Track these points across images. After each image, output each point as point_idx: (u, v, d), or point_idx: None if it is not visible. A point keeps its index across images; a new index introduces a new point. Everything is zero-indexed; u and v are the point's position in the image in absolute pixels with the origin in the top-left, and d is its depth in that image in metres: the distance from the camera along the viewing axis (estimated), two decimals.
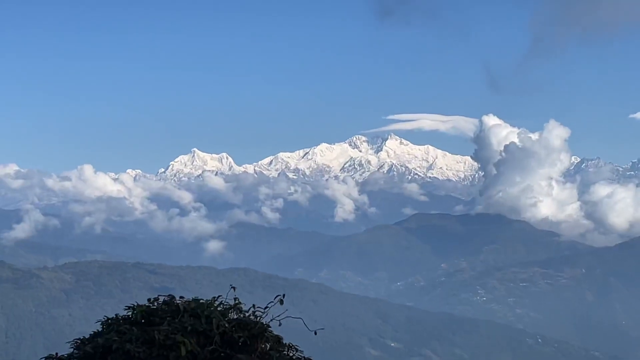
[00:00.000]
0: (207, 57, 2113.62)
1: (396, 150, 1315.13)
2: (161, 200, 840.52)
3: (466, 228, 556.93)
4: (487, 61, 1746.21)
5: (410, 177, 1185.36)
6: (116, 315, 15.88)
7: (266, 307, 15.21)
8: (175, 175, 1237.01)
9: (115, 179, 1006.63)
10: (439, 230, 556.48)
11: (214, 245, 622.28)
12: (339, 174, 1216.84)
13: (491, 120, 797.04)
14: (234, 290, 15.52)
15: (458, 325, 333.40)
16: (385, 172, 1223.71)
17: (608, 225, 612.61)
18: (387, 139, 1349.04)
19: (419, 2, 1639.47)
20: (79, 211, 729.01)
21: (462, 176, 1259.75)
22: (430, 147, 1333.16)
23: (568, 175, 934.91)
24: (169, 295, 14.94)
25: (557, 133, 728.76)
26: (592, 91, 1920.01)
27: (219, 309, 14.98)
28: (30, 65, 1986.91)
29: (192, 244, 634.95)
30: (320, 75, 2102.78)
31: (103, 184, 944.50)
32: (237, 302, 15.26)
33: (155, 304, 15.17)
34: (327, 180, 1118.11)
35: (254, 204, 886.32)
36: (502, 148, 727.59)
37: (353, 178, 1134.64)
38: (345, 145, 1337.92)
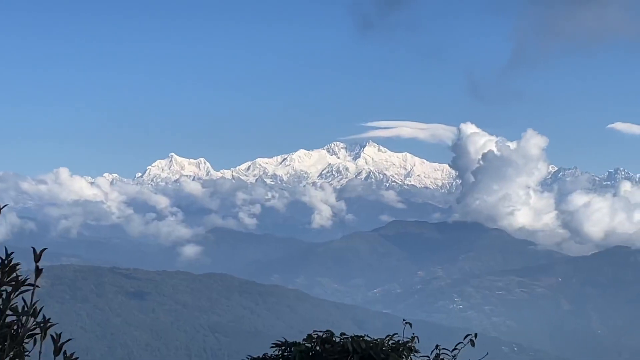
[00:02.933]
0: (186, 62, 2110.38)
1: (374, 157, 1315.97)
2: (138, 205, 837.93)
3: (443, 236, 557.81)
4: (468, 70, 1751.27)
5: (388, 185, 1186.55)
6: (264, 355, 13.21)
7: (454, 349, 13.26)
8: (152, 180, 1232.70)
9: (91, 183, 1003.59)
10: (416, 238, 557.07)
11: (190, 250, 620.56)
12: (317, 181, 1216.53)
13: (469, 128, 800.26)
14: (410, 326, 13.29)
15: (434, 332, 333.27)
16: (363, 179, 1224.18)
17: (584, 235, 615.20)
18: (365, 145, 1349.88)
19: (401, 15, 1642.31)
20: (55, 214, 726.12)
21: (440, 184, 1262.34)
22: (408, 154, 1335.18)
23: (545, 185, 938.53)
24: (327, 331, 12.79)
25: (534, 142, 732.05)
26: (571, 101, 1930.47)
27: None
28: (5, 67, 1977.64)
29: (168, 248, 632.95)
30: (299, 82, 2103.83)
31: (79, 187, 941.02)
32: (411, 340, 13.21)
33: (312, 342, 12.82)
34: (304, 186, 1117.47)
35: (231, 209, 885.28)
36: (480, 156, 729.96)
37: (331, 185, 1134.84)
38: (324, 152, 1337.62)
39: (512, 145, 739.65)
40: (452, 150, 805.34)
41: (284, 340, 12.93)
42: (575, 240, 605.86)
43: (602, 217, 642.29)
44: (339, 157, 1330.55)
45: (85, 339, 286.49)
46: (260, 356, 13.17)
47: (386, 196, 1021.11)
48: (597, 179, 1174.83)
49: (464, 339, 13.27)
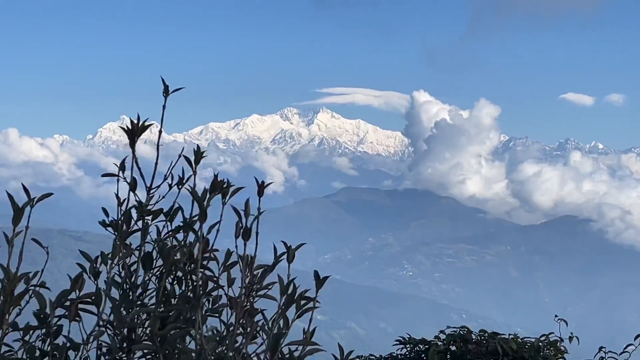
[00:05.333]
0: (139, 23, 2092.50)
1: (327, 124, 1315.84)
2: (88, 167, 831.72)
3: (394, 203, 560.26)
4: (424, 38, 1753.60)
5: (340, 151, 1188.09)
6: (391, 355, 11.48)
7: (623, 352, 10.48)
8: (103, 142, 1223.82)
9: (41, 144, 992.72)
10: (367, 205, 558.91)
11: None
12: (270, 146, 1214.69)
13: (422, 96, 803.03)
14: (566, 324, 11.18)
15: (384, 298, 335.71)
16: (315, 145, 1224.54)
17: (534, 204, 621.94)
18: (318, 112, 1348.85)
19: None
20: (4, 175, 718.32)
21: (393, 151, 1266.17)
22: (361, 121, 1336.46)
23: (496, 154, 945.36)
24: (463, 327, 10.98)
25: (487, 111, 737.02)
26: (524, 71, 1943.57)
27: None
28: None
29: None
30: (253, 47, 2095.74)
31: (29, 148, 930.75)
32: (560, 339, 11.09)
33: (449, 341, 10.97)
34: (257, 151, 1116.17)
35: None
36: (432, 124, 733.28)
37: (283, 150, 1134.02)
38: (277, 117, 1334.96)
39: (465, 114, 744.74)
40: (405, 118, 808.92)
41: (408, 337, 11.23)
42: (525, 209, 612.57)
43: (552, 186, 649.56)
44: (292, 123, 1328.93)
45: (33, 302, 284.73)
46: (384, 356, 11.56)
47: (338, 163, 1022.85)
48: (548, 148, 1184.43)
49: (635, 339, 10.28)
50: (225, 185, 4.85)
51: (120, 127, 4.92)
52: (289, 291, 4.43)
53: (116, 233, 4.88)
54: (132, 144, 5.12)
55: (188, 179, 5.11)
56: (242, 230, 4.04)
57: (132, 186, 4.92)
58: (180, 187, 5.09)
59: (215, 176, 4.71)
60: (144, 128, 4.96)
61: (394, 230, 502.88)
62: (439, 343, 10.92)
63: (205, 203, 4.80)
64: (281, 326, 4.15)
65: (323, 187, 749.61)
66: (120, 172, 4.95)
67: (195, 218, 4.76)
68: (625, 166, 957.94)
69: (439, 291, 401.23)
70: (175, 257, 4.60)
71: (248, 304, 4.39)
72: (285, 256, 3.91)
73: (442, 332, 10.97)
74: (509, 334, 10.79)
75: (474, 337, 10.91)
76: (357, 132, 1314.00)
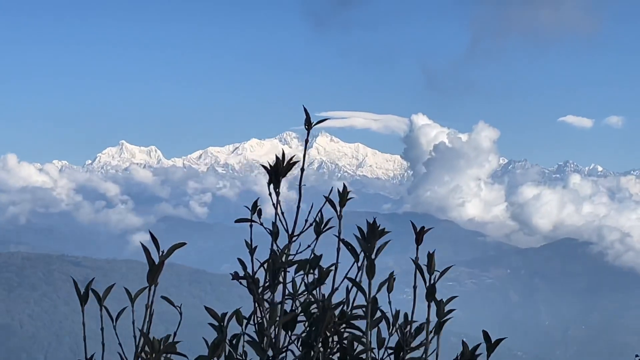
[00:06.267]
0: (137, 48, 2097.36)
1: (326, 148, 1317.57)
2: (87, 192, 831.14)
3: (394, 226, 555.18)
4: (422, 62, 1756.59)
5: (339, 175, 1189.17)
6: None
7: None
8: (102, 168, 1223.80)
9: (40, 170, 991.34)
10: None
11: (140, 239, 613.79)
12: None
13: (421, 119, 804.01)
14: None
15: (384, 323, 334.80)
16: (315, 169, 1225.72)
17: (533, 227, 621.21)
18: (317, 135, 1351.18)
19: (355, 13, 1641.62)
20: (3, 201, 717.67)
21: (392, 175, 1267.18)
22: (360, 145, 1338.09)
23: (496, 177, 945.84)
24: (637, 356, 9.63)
25: (486, 134, 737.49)
26: (523, 94, 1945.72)
27: None
28: None
29: (118, 236, 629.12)
30: (251, 71, 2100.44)
31: (27, 174, 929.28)
32: None
33: None
34: (256, 175, 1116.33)
35: (182, 198, 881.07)
36: (431, 148, 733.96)
37: None
38: (276, 141, 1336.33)
39: (464, 137, 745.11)
40: (404, 141, 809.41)
41: None
42: (525, 232, 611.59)
43: (551, 209, 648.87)
44: (291, 147, 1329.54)
45: (32, 327, 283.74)
46: None
47: (338, 186, 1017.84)
48: (547, 171, 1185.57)
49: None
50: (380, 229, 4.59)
51: (262, 165, 4.29)
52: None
53: (252, 288, 4.54)
54: (277, 184, 4.64)
55: (326, 223, 4.71)
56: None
57: (275, 234, 4.50)
58: (319, 231, 4.83)
59: (372, 221, 4.45)
60: (290, 166, 4.50)
61: (393, 254, 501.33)
62: None
63: (372, 255, 4.39)
64: None
65: (322, 211, 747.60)
66: (255, 216, 4.60)
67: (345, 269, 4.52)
68: (625, 188, 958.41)
69: None
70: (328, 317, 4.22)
71: None
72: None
73: None
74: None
75: None
76: (356, 155, 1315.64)
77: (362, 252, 4.63)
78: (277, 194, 4.63)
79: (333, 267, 4.91)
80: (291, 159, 4.90)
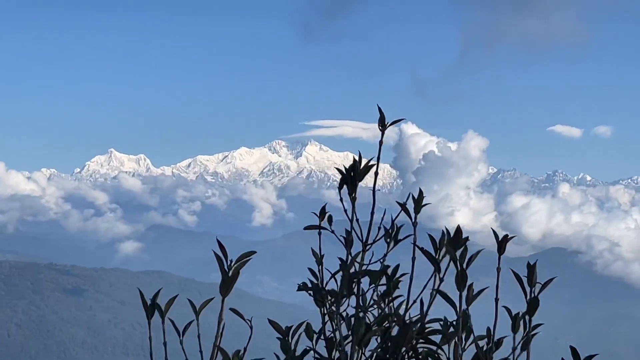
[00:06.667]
0: (127, 55, 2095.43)
1: (316, 156, 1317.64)
2: (76, 201, 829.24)
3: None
4: (412, 71, 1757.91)
5: (329, 184, 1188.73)
6: None
7: None
8: (91, 176, 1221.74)
9: (28, 178, 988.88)
10: (356, 237, 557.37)
11: (129, 247, 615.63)
12: (258, 179, 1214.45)
13: (410, 128, 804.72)
14: None
15: None
16: (304, 177, 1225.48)
17: (522, 236, 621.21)
18: (307, 144, 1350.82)
19: (344, 24, 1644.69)
20: None
21: (381, 184, 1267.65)
22: (350, 153, 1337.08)
23: (485, 186, 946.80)
24: None
25: (475, 143, 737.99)
26: (512, 104, 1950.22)
27: None
28: None
29: (106, 245, 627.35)
30: (241, 79, 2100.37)
31: (16, 182, 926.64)
32: None
33: None
34: (245, 184, 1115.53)
35: (171, 206, 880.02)
36: (420, 156, 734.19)
37: (272, 183, 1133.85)
38: (265, 150, 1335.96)
39: (453, 146, 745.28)
40: (393, 150, 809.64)
41: None
42: (514, 241, 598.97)
43: (540, 218, 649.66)
44: (280, 156, 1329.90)
45: (20, 336, 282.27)
46: None
47: (327, 195, 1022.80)
48: (536, 180, 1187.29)
49: None
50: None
51: (337, 168, 4.02)
52: None
53: (319, 300, 4.25)
54: (352, 189, 4.24)
55: (397, 230, 4.35)
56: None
57: (349, 242, 4.23)
58: (392, 241, 4.56)
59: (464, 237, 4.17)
60: (367, 171, 4.22)
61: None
62: None
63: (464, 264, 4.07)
64: None
65: (312, 220, 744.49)
66: (325, 223, 4.31)
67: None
68: (614, 198, 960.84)
69: None
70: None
71: None
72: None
73: None
74: None
75: None
76: (345, 164, 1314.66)
77: (452, 261, 4.43)
78: (354, 199, 4.34)
79: (402, 278, 4.72)
80: (368, 161, 4.55)
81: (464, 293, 4.83)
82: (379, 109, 4.72)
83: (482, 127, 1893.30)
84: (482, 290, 4.97)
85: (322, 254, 4.88)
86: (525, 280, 4.90)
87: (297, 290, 4.76)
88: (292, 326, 4.49)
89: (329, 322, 4.59)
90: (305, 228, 4.76)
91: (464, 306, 4.66)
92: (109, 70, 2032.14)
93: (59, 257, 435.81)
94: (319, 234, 4.46)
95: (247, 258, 4.32)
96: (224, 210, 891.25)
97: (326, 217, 5.06)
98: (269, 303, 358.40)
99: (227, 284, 4.18)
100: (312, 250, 4.51)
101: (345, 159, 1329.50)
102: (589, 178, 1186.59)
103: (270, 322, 4.85)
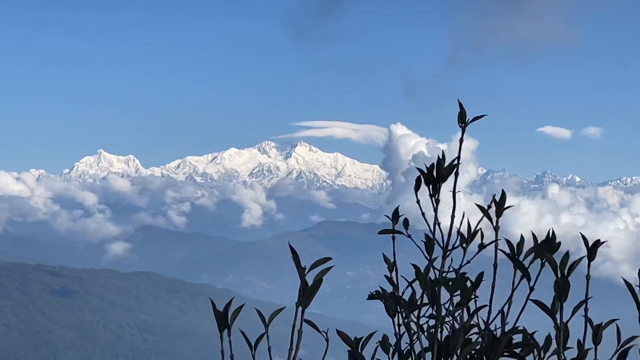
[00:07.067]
0: (115, 56, 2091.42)
1: (305, 157, 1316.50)
2: (65, 201, 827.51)
3: (373, 236, 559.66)
4: (402, 72, 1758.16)
5: (318, 185, 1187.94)
6: None
7: None
8: (80, 177, 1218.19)
9: (17, 179, 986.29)
10: (345, 238, 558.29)
11: (118, 248, 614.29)
12: (247, 179, 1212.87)
13: (400, 129, 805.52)
14: None
15: (363, 332, 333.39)
16: (293, 178, 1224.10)
17: (512, 237, 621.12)
18: (296, 145, 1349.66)
19: (334, 26, 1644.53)
20: None
21: (370, 185, 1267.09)
22: (339, 154, 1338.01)
23: (474, 187, 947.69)
24: None
25: (464, 144, 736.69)
26: (502, 105, 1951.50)
27: None
28: None
29: (95, 246, 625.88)
30: (230, 80, 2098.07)
31: (4, 183, 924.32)
32: None
33: None
34: (234, 185, 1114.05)
35: (160, 207, 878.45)
36: (410, 157, 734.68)
37: (261, 184, 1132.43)
38: (254, 151, 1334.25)
39: (443, 147, 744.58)
40: (383, 151, 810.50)
41: None
42: (501, 243, 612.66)
43: (530, 219, 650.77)
44: (269, 156, 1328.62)
45: (9, 337, 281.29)
46: None
47: (317, 196, 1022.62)
48: (525, 181, 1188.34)
49: None
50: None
51: (417, 168, 3.93)
52: None
53: (398, 309, 4.03)
54: (436, 190, 4.02)
55: (474, 235, 4.13)
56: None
57: (429, 247, 3.89)
58: (482, 244, 4.38)
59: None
60: (451, 170, 4.13)
61: (372, 264, 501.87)
62: None
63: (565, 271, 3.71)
64: None
65: (301, 221, 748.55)
66: (399, 224, 4.12)
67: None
68: (603, 199, 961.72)
69: None
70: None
71: None
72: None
73: None
74: None
75: None
76: (335, 165, 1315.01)
77: (555, 270, 4.33)
78: (437, 202, 4.12)
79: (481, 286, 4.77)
80: (453, 161, 4.34)
81: (564, 304, 4.84)
82: (460, 104, 4.50)
83: (471, 128, 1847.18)
84: (581, 303, 4.98)
85: (394, 260, 4.77)
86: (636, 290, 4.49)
87: (368, 299, 4.47)
88: (361, 338, 4.34)
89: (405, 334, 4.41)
90: (380, 233, 4.48)
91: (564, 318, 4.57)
92: (98, 71, 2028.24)
93: (48, 258, 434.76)
94: (393, 238, 4.16)
95: (328, 266, 4.23)
96: (214, 211, 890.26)
97: (401, 220, 4.78)
98: (258, 304, 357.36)
99: (307, 293, 4.16)
100: (384, 255, 4.52)
101: (334, 160, 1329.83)
102: (578, 179, 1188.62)
103: (339, 333, 4.46)
